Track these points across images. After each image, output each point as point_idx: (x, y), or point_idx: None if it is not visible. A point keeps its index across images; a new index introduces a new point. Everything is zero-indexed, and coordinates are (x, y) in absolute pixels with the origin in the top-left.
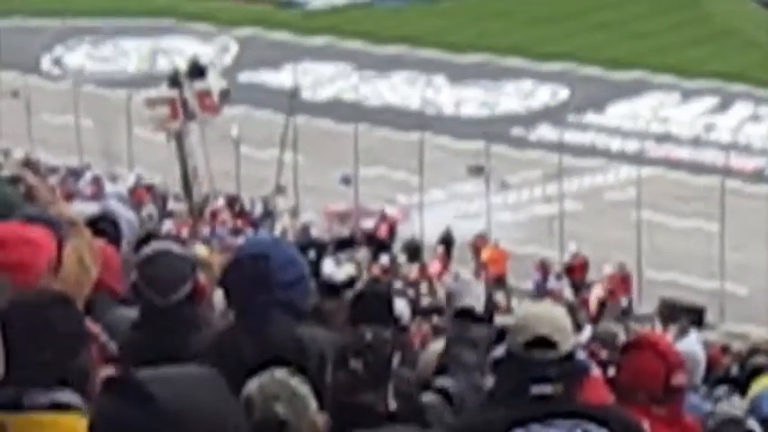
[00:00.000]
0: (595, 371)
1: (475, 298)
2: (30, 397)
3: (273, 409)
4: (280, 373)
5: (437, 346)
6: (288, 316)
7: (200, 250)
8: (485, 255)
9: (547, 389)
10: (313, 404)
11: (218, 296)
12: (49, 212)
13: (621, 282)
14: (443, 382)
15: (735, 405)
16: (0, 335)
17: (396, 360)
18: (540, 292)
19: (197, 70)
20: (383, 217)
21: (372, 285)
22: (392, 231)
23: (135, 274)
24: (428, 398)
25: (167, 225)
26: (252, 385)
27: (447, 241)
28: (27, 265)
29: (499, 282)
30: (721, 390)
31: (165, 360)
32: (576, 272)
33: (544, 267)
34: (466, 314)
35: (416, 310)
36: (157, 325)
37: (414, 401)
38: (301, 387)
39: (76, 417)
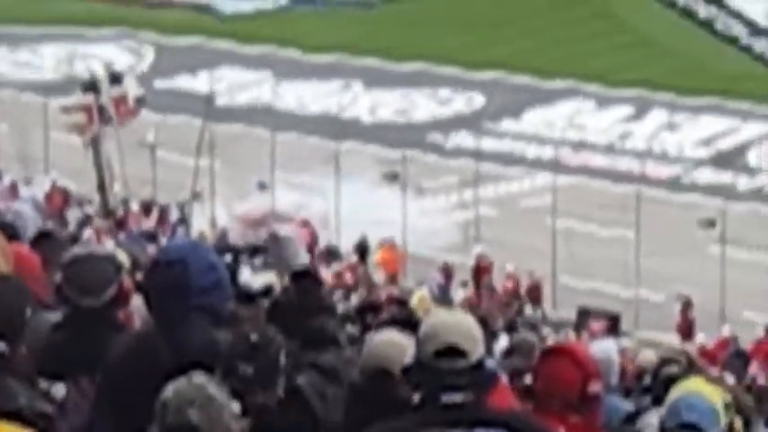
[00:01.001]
0: (503, 379)
1: (303, 255)
2: None
3: (187, 414)
4: (198, 378)
5: None
6: (205, 320)
7: (120, 255)
8: (377, 256)
9: (457, 397)
10: (230, 409)
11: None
12: None
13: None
14: (314, 357)
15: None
16: None
17: (282, 358)
18: (443, 295)
19: (113, 77)
20: (304, 223)
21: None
22: (314, 238)
23: (60, 276)
24: (303, 378)
25: (87, 230)
26: (168, 389)
27: (362, 248)
28: None
29: (392, 281)
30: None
31: (83, 361)
32: (481, 274)
33: (447, 271)
34: (305, 276)
35: None
36: (79, 326)
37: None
38: (219, 392)
39: None
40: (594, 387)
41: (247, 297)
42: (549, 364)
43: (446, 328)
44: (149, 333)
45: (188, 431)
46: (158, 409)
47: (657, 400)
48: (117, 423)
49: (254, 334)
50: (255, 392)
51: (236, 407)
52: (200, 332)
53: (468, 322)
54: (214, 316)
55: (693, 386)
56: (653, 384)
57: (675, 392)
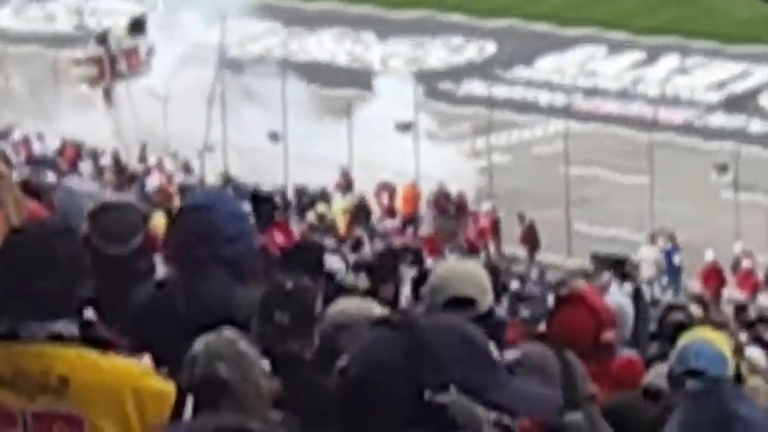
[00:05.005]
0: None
1: None
2: (27, 328)
3: (216, 368)
4: (228, 333)
5: None
6: (226, 275)
7: None
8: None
9: None
10: (260, 366)
11: None
12: None
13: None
14: None
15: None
16: None
17: (318, 306)
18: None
19: (138, 26)
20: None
21: (302, 240)
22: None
23: (86, 225)
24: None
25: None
26: (199, 342)
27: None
28: None
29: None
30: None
31: (108, 310)
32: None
33: (439, 204)
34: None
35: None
36: (104, 275)
37: None
38: (249, 349)
39: (78, 349)
40: (608, 335)
41: None
42: (562, 312)
43: (456, 279)
44: (168, 282)
45: (217, 385)
46: (187, 363)
47: (663, 347)
48: None
49: (289, 282)
50: (291, 341)
51: (266, 364)
52: (219, 286)
53: (478, 272)
54: (237, 271)
55: (701, 333)
56: (659, 331)
57: (683, 340)
